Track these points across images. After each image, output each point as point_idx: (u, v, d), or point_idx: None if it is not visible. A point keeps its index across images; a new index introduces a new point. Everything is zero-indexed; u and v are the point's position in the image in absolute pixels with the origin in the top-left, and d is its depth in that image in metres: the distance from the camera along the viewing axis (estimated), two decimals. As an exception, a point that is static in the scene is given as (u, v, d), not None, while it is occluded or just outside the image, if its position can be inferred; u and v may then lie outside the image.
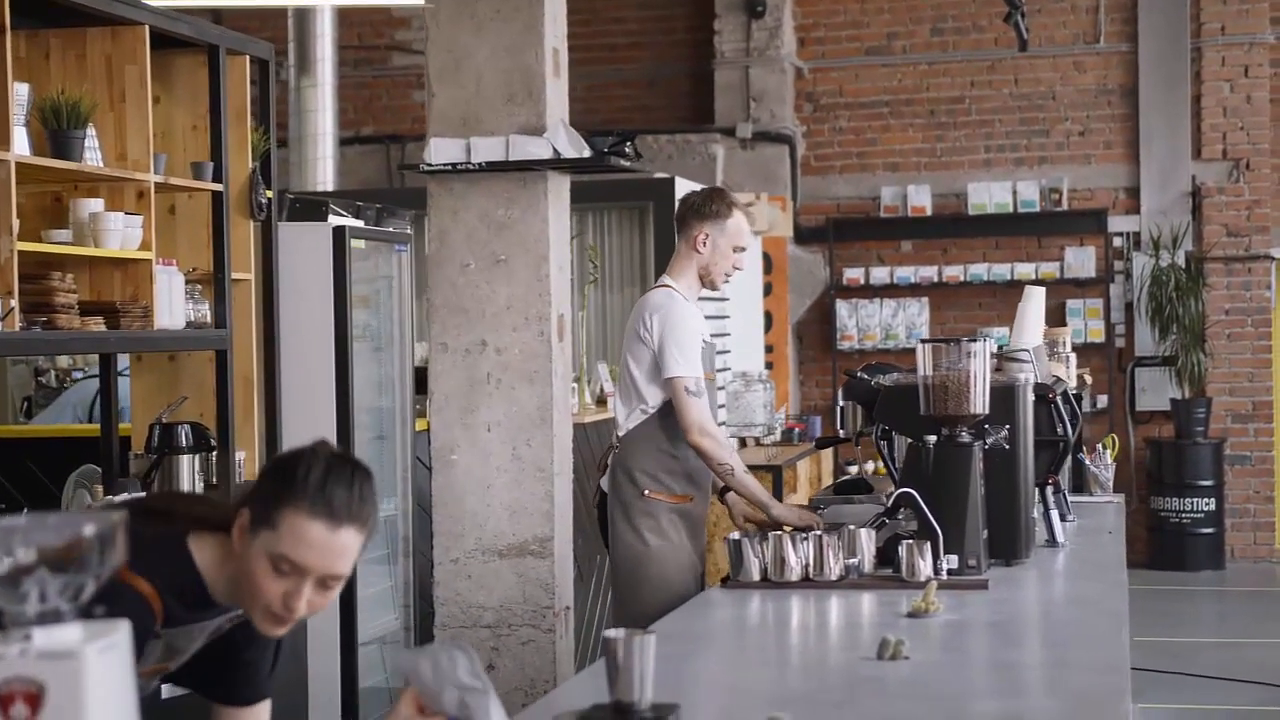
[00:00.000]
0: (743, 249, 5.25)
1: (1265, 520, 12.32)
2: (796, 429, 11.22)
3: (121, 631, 1.81)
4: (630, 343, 5.20)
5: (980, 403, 4.33)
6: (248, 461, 5.86)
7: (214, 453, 5.61)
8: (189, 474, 5.52)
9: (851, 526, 4.30)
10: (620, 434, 5.24)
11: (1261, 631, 10.03)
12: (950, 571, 4.16)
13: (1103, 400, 12.29)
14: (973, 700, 2.98)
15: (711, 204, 5.24)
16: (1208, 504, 11.92)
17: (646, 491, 5.12)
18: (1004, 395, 4.47)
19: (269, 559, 2.49)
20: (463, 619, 5.55)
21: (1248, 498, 12.29)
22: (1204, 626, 10.45)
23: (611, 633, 2.65)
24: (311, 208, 6.45)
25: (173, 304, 5.31)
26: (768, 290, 12.23)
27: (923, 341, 4.41)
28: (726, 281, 5.32)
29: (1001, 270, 12.39)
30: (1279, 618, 10.68)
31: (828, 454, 11.11)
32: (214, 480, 5.64)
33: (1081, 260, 12.34)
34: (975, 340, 4.38)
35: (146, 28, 5.24)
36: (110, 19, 5.18)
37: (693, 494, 5.17)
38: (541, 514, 5.94)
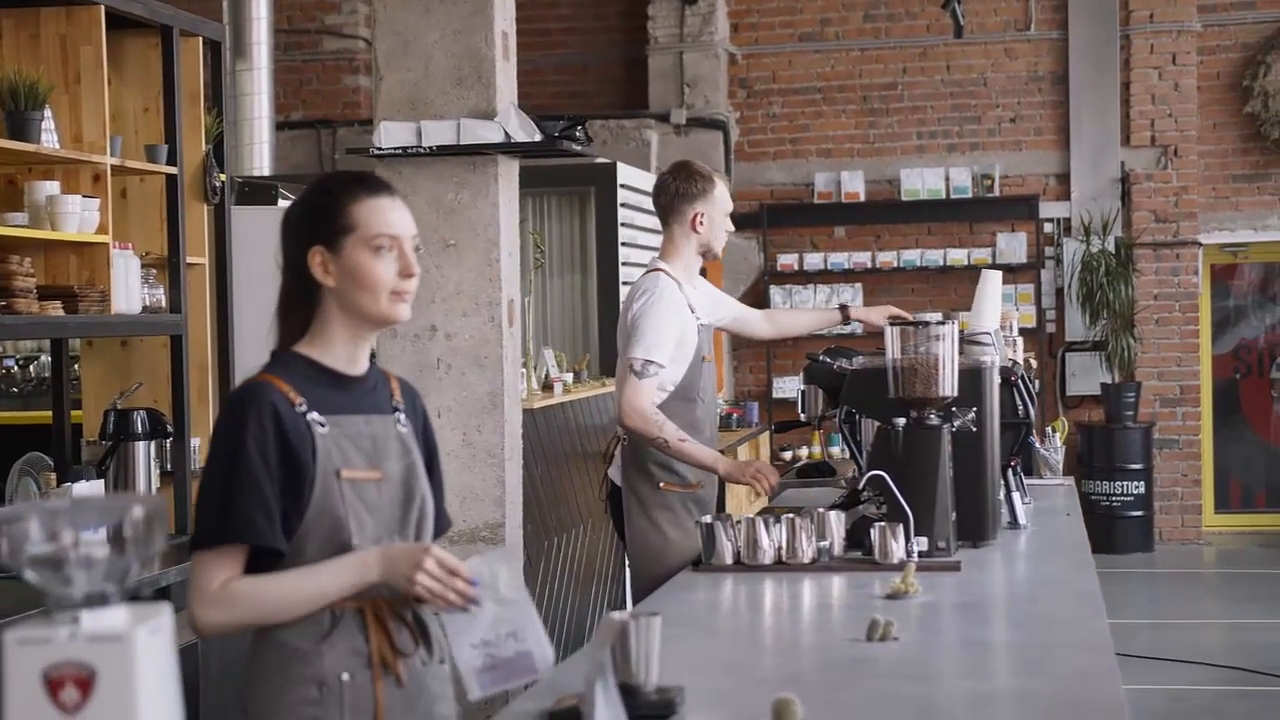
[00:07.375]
0: (730, 210, 5.43)
1: (1193, 503, 12.49)
2: (735, 414, 11.26)
3: (165, 614, 1.79)
4: (623, 333, 5.16)
5: (949, 385, 4.35)
6: (203, 448, 5.80)
7: (170, 439, 5.54)
8: (144, 461, 5.44)
9: (821, 509, 4.32)
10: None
11: (1191, 612, 10.19)
12: (920, 554, 4.18)
13: (1035, 384, 12.39)
14: (967, 679, 3.00)
15: (696, 183, 5.30)
16: (1137, 487, 12.07)
17: (662, 484, 5.08)
18: (971, 377, 4.49)
19: (369, 249, 2.78)
20: (415, 604, 5.51)
21: (1176, 481, 12.45)
22: (1135, 608, 10.57)
23: (618, 615, 2.65)
24: (260, 191, 6.40)
25: (129, 288, 5.24)
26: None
27: (891, 323, 4.42)
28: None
29: (934, 256, 12.46)
30: (1207, 598, 10.85)
31: (764, 439, 11.16)
32: (169, 467, 5.58)
33: (1013, 246, 12.44)
34: (944, 323, 4.39)
35: (102, 8, 5.17)
36: (65, -1, 5.11)
37: (702, 479, 5.14)
38: (493, 500, 5.92)
